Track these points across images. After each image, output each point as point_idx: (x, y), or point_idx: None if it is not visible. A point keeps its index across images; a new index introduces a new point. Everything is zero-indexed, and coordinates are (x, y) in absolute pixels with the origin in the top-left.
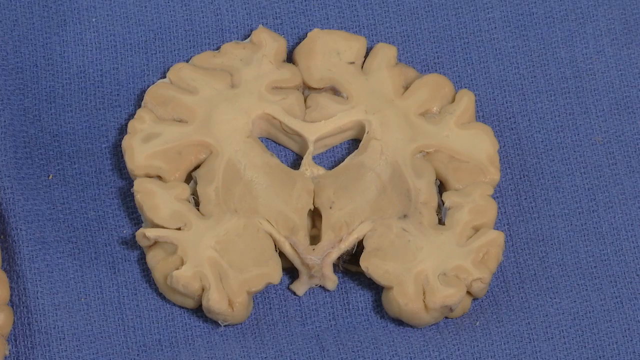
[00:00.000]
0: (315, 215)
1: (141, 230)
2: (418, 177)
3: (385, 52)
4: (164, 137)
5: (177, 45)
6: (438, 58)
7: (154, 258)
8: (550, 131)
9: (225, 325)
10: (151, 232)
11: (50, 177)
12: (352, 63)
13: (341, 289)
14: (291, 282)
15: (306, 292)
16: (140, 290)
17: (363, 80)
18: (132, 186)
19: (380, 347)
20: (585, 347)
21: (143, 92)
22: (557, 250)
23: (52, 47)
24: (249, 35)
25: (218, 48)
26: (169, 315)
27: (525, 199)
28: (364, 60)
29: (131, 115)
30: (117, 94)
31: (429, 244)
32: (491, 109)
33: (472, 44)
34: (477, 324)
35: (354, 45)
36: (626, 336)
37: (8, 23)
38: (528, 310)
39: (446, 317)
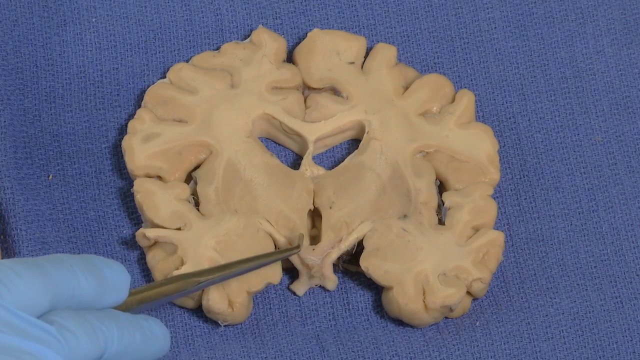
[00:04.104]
0: (315, 215)
1: (141, 230)
2: (418, 177)
3: (385, 52)
4: (164, 137)
5: (177, 45)
6: (438, 58)
7: (154, 258)
8: (550, 131)
9: (225, 325)
10: (151, 232)
11: (50, 177)
12: (352, 63)
13: (341, 289)
14: (291, 282)
15: (306, 292)
16: None
17: (363, 80)
18: (132, 186)
19: (380, 347)
20: (585, 347)
21: (143, 92)
22: (557, 250)
23: (52, 47)
24: (249, 35)
25: (218, 48)
26: (169, 315)
27: (525, 199)
28: (364, 60)
29: (131, 115)
30: (117, 94)
31: (429, 244)
32: (491, 109)
33: (472, 44)
34: (477, 324)
35: (354, 45)
36: (626, 336)
37: (8, 23)
38: (528, 310)
39: (446, 317)
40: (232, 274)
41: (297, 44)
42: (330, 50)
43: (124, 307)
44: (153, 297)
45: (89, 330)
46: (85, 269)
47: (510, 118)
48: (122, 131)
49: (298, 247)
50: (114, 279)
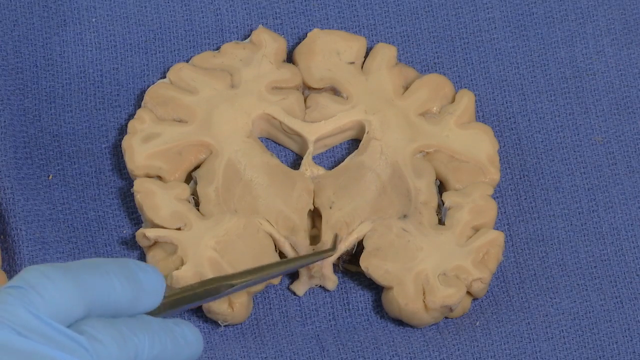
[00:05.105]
0: (315, 215)
1: (141, 230)
2: (418, 177)
3: (385, 52)
4: (164, 137)
5: (177, 45)
6: (438, 58)
7: (154, 258)
8: (550, 131)
9: (225, 325)
10: (151, 232)
11: (50, 177)
12: (352, 63)
13: (341, 289)
14: (291, 282)
15: (306, 292)
16: None
17: (363, 80)
18: (132, 186)
19: (380, 347)
20: (585, 347)
21: (143, 92)
22: (557, 250)
23: (52, 47)
24: (249, 35)
25: (218, 48)
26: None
27: (525, 199)
28: (364, 60)
29: (131, 115)
30: (117, 94)
31: (429, 244)
32: (491, 109)
33: (472, 44)
34: (477, 324)
35: (354, 45)
36: (626, 336)
37: (8, 23)
38: (528, 310)
39: (446, 317)
40: (265, 277)
41: (297, 44)
42: (330, 50)
43: (157, 311)
44: (186, 300)
45: (120, 341)
46: (121, 275)
47: (510, 118)
48: (122, 131)
49: (333, 248)
50: (149, 284)
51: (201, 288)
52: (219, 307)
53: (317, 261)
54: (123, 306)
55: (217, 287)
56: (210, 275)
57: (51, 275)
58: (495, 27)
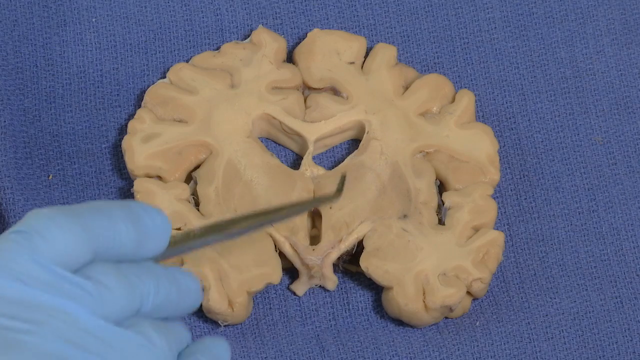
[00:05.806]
0: (315, 215)
1: None
2: (418, 177)
3: (385, 52)
4: (164, 137)
5: (177, 45)
6: (438, 58)
7: None
8: (550, 131)
9: (225, 325)
10: None
11: (50, 177)
12: (352, 63)
13: (341, 289)
14: (291, 282)
15: (306, 292)
16: None
17: (363, 80)
18: (132, 186)
19: (380, 347)
20: (585, 347)
21: (143, 92)
22: (557, 250)
23: (52, 47)
24: (249, 35)
25: (218, 48)
26: None
27: (525, 199)
28: (364, 60)
29: (131, 115)
30: (117, 94)
31: (429, 244)
32: (491, 109)
33: (472, 44)
34: (477, 324)
35: (354, 45)
36: (626, 336)
37: (8, 23)
38: (528, 310)
39: (446, 317)
40: (266, 222)
41: (297, 44)
42: (330, 50)
43: (159, 256)
44: (188, 246)
45: (127, 287)
46: (127, 218)
47: (510, 118)
48: (122, 131)
49: (339, 193)
50: (155, 228)
51: (203, 234)
52: (219, 307)
53: (319, 206)
54: (127, 251)
55: (220, 230)
56: (210, 275)
57: (57, 219)
58: (495, 27)
